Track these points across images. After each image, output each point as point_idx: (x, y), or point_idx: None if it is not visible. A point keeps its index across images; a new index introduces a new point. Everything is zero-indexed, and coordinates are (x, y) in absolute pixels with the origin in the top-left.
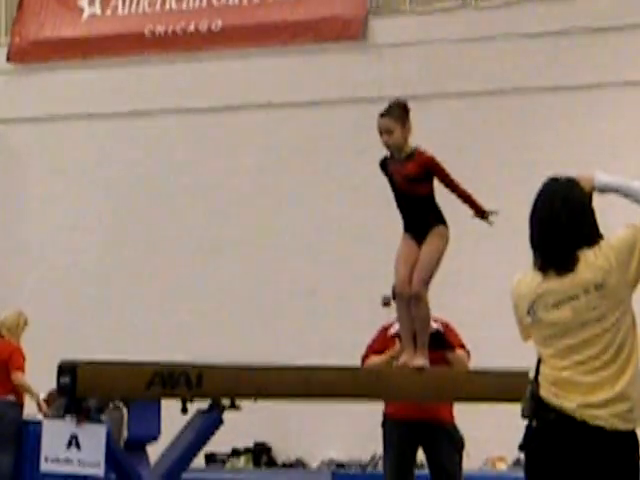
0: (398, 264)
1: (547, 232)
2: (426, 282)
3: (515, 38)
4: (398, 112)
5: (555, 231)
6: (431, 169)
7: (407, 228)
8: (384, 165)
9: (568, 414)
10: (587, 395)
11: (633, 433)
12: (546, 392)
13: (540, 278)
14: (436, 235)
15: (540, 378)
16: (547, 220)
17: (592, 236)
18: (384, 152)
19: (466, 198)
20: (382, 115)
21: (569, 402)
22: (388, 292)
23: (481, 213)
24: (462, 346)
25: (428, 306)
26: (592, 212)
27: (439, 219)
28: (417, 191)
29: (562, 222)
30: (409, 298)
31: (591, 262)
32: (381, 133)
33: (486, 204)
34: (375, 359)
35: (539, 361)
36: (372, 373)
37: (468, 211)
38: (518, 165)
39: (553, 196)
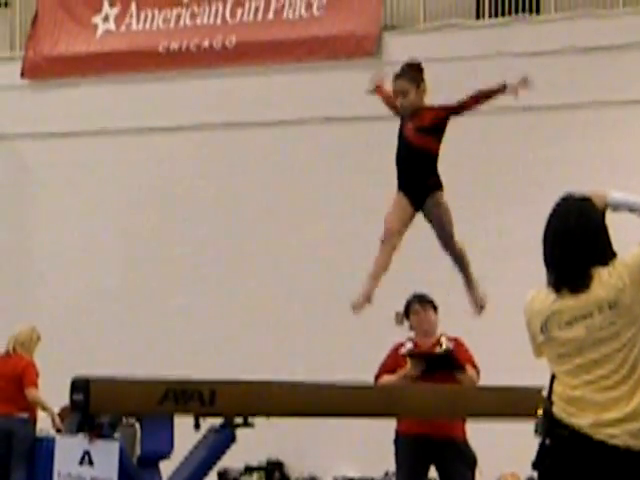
0: (391, 215)
1: (561, 250)
2: (454, 238)
3: (527, 56)
4: (413, 73)
5: (569, 249)
6: (442, 111)
7: (402, 186)
8: (402, 121)
9: (581, 432)
10: (600, 413)
11: None
12: (559, 410)
13: (554, 296)
14: (440, 199)
15: (553, 396)
16: (561, 237)
17: (606, 254)
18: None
19: (482, 97)
20: (397, 77)
21: (582, 420)
22: (401, 309)
23: (503, 89)
24: (472, 363)
25: (465, 251)
26: (606, 230)
27: (438, 183)
28: (426, 145)
29: (577, 240)
30: (394, 248)
31: (605, 280)
32: (396, 95)
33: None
34: (387, 378)
35: (552, 379)
36: (385, 390)
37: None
38: (528, 183)
39: (568, 214)
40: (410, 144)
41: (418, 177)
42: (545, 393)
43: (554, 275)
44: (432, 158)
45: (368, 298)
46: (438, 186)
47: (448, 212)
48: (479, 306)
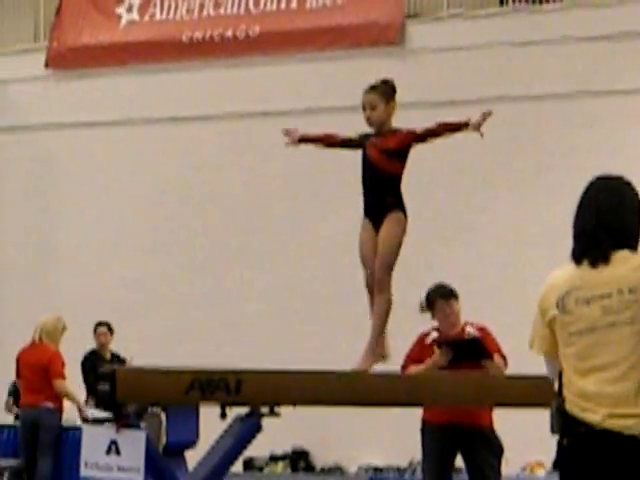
0: (365, 256)
1: (589, 222)
2: (389, 268)
3: (553, 43)
4: (384, 89)
5: (597, 222)
6: (411, 137)
7: (367, 212)
8: (362, 138)
9: (596, 427)
10: (613, 406)
11: None
12: (572, 406)
13: (574, 270)
14: (394, 220)
15: (565, 391)
16: (592, 211)
17: (634, 237)
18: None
19: (445, 128)
20: (368, 90)
21: (596, 415)
22: (423, 298)
23: (466, 126)
24: (499, 351)
25: (391, 295)
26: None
27: (399, 205)
28: (389, 167)
29: (606, 214)
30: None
31: (630, 264)
32: (364, 108)
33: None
34: (414, 368)
35: (561, 373)
36: (411, 378)
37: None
38: (556, 170)
39: (612, 190)
40: (373, 165)
41: (379, 198)
42: (555, 387)
43: (576, 249)
44: (395, 180)
45: (383, 356)
46: (396, 207)
47: (398, 237)
48: (368, 360)
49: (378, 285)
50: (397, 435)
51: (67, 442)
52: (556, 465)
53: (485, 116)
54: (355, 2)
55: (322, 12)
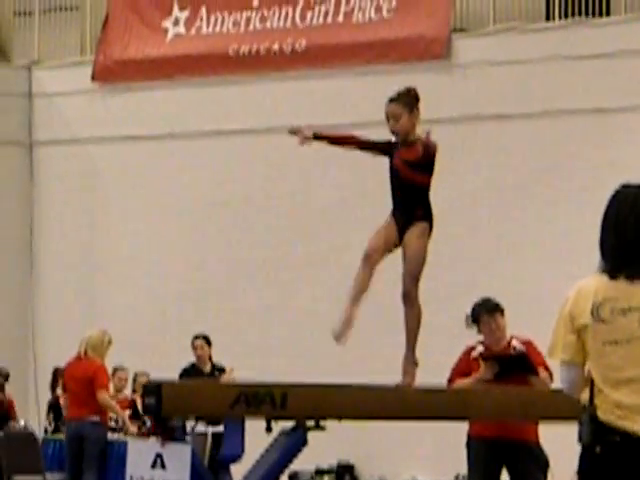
0: (375, 235)
1: (617, 236)
2: (416, 279)
3: (598, 58)
4: (407, 98)
5: (626, 235)
6: (434, 150)
7: (394, 213)
8: (391, 148)
9: (634, 435)
10: None
11: None
12: (607, 414)
13: (608, 282)
14: (420, 231)
15: (597, 400)
16: (618, 224)
17: None
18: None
19: None
20: (390, 100)
21: (635, 424)
22: (469, 312)
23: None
24: (544, 365)
25: (420, 306)
26: None
27: (427, 215)
28: (415, 179)
29: (634, 226)
30: (374, 264)
31: None
32: (388, 119)
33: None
34: (460, 382)
35: (592, 383)
36: (457, 393)
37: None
38: (599, 186)
39: (626, 200)
40: (399, 175)
41: (406, 206)
42: (584, 398)
43: (609, 262)
44: (422, 190)
45: (349, 324)
46: (424, 218)
47: (423, 249)
48: (408, 380)
49: (408, 297)
50: (443, 449)
51: (112, 455)
52: (584, 474)
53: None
54: (402, 16)
55: (369, 26)
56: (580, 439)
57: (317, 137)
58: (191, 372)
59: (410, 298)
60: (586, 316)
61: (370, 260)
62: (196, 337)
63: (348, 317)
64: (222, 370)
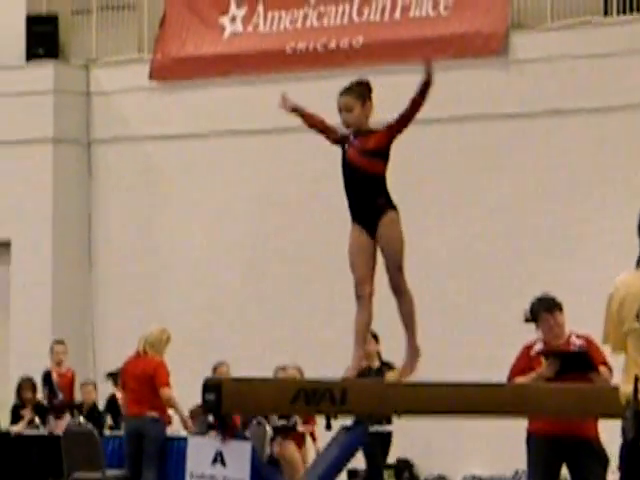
0: (354, 261)
1: None
2: (400, 269)
3: None
4: (359, 90)
5: None
6: (389, 133)
7: (355, 216)
8: (344, 138)
9: None
10: None
11: None
12: None
13: None
14: (391, 222)
15: None
16: None
17: None
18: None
19: (415, 100)
20: (343, 92)
21: None
22: (527, 308)
23: (428, 82)
24: (605, 362)
25: (412, 297)
26: None
27: (389, 203)
28: (372, 168)
29: None
30: (369, 296)
31: None
32: (340, 110)
33: (622, 221)
34: (520, 379)
35: (637, 379)
36: (516, 389)
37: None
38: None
39: None
40: (354, 167)
41: (366, 200)
42: (627, 391)
43: None
44: (379, 179)
45: (359, 368)
46: (389, 206)
47: (399, 236)
48: (410, 370)
49: (397, 288)
50: (502, 445)
51: (172, 452)
52: (624, 468)
53: (427, 63)
54: (459, 12)
55: (425, 22)
56: (623, 434)
57: (295, 110)
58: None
59: (400, 288)
60: (633, 321)
61: (364, 296)
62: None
63: (357, 362)
64: (390, 367)
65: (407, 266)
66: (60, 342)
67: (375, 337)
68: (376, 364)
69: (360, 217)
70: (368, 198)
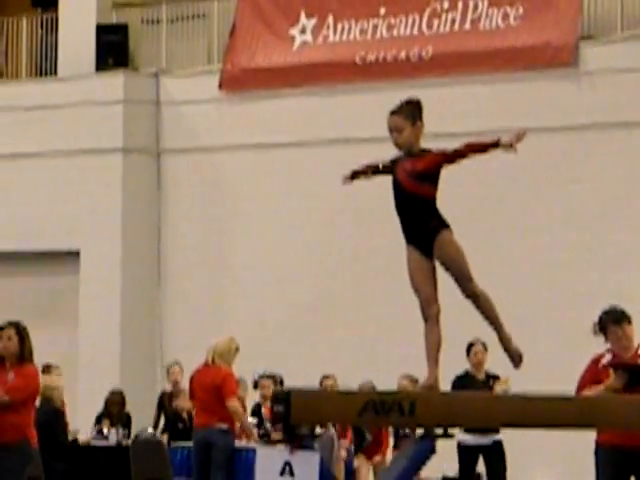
0: (417, 283)
1: None
2: (470, 279)
3: None
4: (409, 110)
5: None
6: (438, 159)
7: (409, 239)
8: (392, 164)
9: None
10: None
11: None
12: None
13: None
14: (445, 243)
15: None
16: None
17: None
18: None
19: (476, 148)
20: (392, 113)
21: None
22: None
23: (496, 145)
24: None
25: (487, 294)
26: None
27: (442, 223)
28: (420, 190)
29: None
30: (437, 315)
31: None
32: (391, 131)
33: None
34: (589, 391)
35: None
36: (585, 400)
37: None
38: None
39: None
40: (404, 190)
41: (419, 223)
42: None
43: None
44: (429, 202)
45: (435, 385)
46: (442, 226)
47: (459, 252)
48: (516, 358)
49: (473, 296)
50: (570, 457)
51: (240, 463)
52: None
53: (519, 136)
54: (529, 23)
55: (495, 33)
56: None
57: (354, 177)
58: (464, 379)
59: (475, 295)
60: None
61: (432, 316)
62: (471, 344)
63: (433, 379)
64: (496, 377)
65: (479, 276)
66: (176, 363)
67: (485, 347)
68: (481, 375)
69: (414, 239)
70: (420, 221)
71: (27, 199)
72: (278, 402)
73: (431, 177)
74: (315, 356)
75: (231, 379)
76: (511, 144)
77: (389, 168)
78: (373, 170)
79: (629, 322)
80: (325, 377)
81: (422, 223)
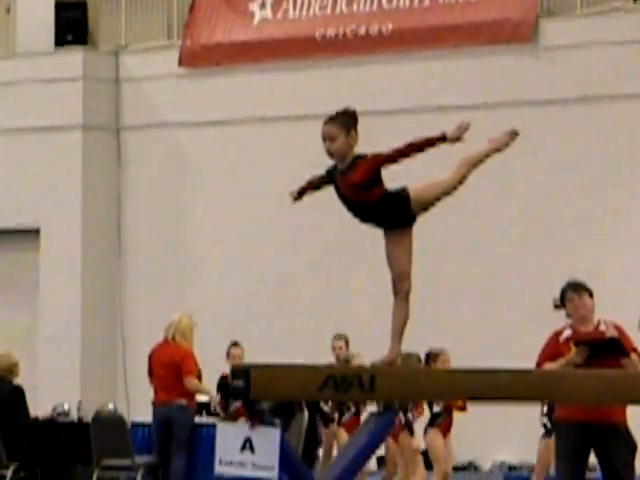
0: (392, 257)
1: None
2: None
3: None
4: (344, 120)
5: None
6: (374, 164)
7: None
8: (331, 174)
9: None
10: None
11: None
12: None
13: None
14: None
15: None
16: None
17: None
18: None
19: (421, 146)
20: (327, 121)
21: None
22: (557, 294)
23: (443, 139)
24: (635, 350)
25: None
26: None
27: (399, 193)
28: (369, 197)
29: None
30: (407, 292)
31: None
32: (324, 139)
33: None
34: (549, 365)
35: None
36: (545, 375)
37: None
38: None
39: None
40: (353, 202)
41: (381, 221)
42: None
43: None
44: (381, 202)
45: (396, 360)
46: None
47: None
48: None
49: (407, 293)
50: (532, 432)
51: (201, 439)
52: None
53: (462, 127)
54: None
55: (455, 9)
56: None
57: (300, 196)
58: None
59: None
60: None
61: (403, 292)
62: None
63: (392, 357)
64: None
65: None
66: (236, 344)
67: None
68: None
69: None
70: (375, 219)
71: None
72: (237, 377)
73: (373, 181)
74: (276, 331)
75: (190, 357)
76: (457, 137)
77: (326, 179)
78: (315, 185)
79: (589, 294)
80: (338, 336)
81: (378, 220)
